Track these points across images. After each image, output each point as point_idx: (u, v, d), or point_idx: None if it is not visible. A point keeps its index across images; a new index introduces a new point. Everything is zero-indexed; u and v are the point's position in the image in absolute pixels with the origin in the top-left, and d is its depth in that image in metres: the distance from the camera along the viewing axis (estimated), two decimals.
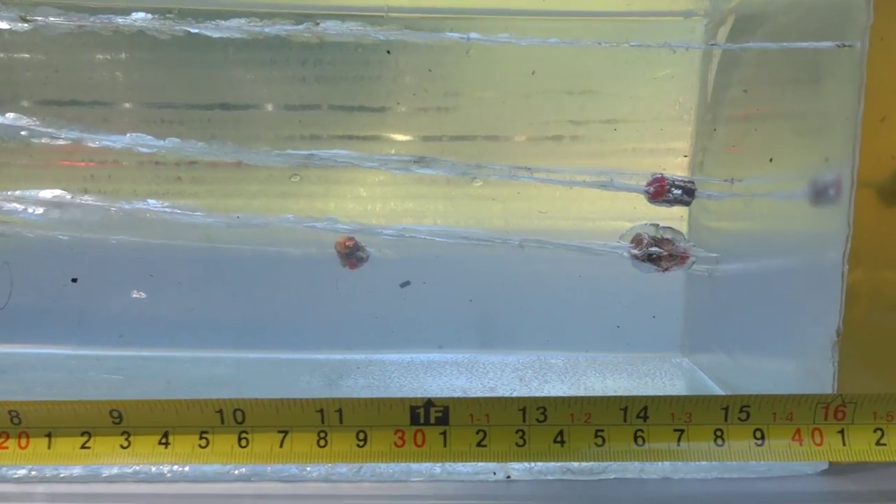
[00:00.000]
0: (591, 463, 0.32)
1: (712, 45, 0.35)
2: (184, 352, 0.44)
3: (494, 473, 0.32)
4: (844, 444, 0.29)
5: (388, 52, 0.38)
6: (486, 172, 0.38)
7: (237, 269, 0.43)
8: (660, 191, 0.36)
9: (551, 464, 0.32)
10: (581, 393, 0.41)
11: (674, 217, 0.43)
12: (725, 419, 0.29)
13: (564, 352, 0.46)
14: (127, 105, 0.43)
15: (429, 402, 0.29)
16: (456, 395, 0.40)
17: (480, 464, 0.32)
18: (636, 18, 0.42)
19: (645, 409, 0.29)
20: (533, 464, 0.32)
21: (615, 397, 0.29)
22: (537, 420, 0.29)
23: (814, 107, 0.33)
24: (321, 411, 0.29)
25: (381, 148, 0.44)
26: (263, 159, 0.36)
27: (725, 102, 0.39)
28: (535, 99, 0.43)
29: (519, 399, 0.29)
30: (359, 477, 0.32)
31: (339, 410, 0.29)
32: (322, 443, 0.29)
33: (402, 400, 0.29)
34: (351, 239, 0.42)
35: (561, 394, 0.40)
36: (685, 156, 0.42)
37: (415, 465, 0.32)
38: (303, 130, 0.44)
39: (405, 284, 0.46)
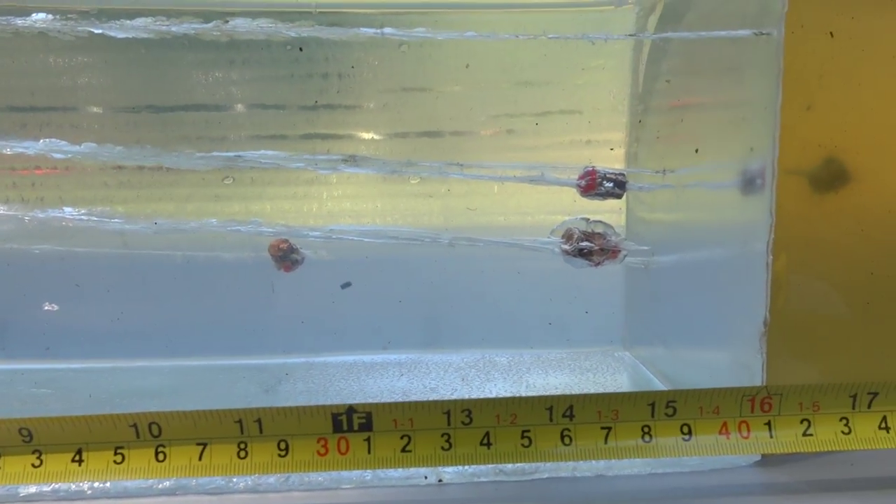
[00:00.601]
0: (524, 464, 0.32)
1: (632, 35, 0.34)
2: (115, 362, 0.42)
3: (426, 478, 0.31)
4: (772, 437, 0.28)
5: (301, 49, 0.37)
6: (416, 170, 0.37)
7: (168, 275, 0.42)
8: (591, 184, 0.36)
9: (483, 466, 0.32)
10: (523, 391, 0.40)
11: (612, 209, 0.43)
12: (652, 415, 0.28)
13: (508, 349, 0.46)
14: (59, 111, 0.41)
15: (350, 409, 0.28)
16: (396, 396, 0.40)
17: (412, 469, 0.32)
18: (570, 9, 0.42)
19: (571, 407, 0.28)
20: (465, 467, 0.32)
21: (541, 397, 0.28)
22: (462, 423, 0.28)
23: (737, 96, 0.32)
24: (240, 422, 0.28)
25: (313, 147, 0.43)
26: (185, 162, 0.35)
27: (655, 93, 0.39)
28: (469, 93, 0.43)
29: (443, 402, 0.28)
30: (287, 486, 0.31)
31: (259, 420, 0.28)
32: (242, 454, 0.28)
33: (323, 407, 0.28)
34: (285, 241, 0.41)
35: (503, 393, 0.40)
36: (618, 148, 0.41)
37: (344, 473, 0.31)
38: (235, 131, 0.43)
39: (346, 286, 0.45)
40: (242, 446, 0.28)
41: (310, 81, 0.42)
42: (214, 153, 0.37)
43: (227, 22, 0.30)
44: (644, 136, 0.40)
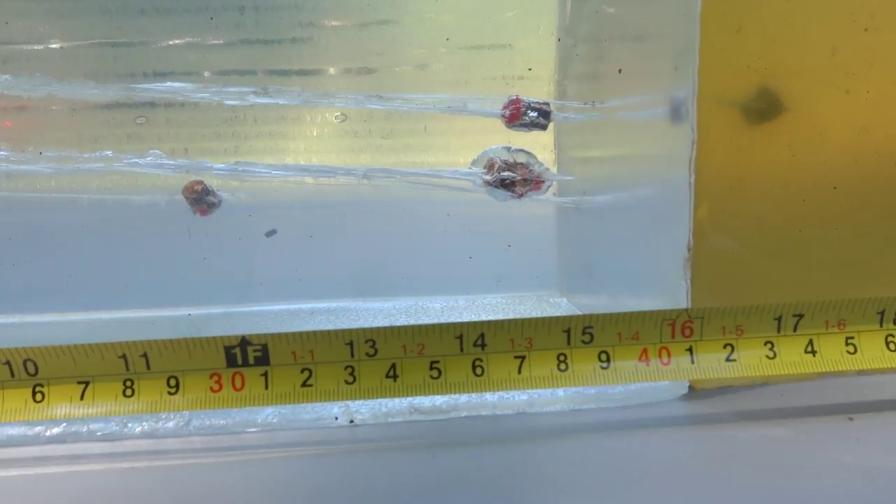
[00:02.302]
0: (441, 400, 0.30)
1: None
2: (22, 317, 0.40)
3: (336, 418, 0.30)
4: (693, 363, 0.27)
5: None
6: (331, 100, 0.35)
7: (74, 221, 0.39)
8: (516, 114, 0.34)
9: (397, 404, 0.30)
10: None
11: (545, 147, 0.41)
12: (568, 343, 0.27)
13: (443, 296, 0.44)
14: None
15: (244, 341, 0.26)
16: None
17: (322, 408, 0.30)
18: None
19: (482, 336, 0.27)
20: (378, 406, 0.30)
21: (450, 324, 0.27)
22: (367, 354, 0.26)
23: (660, 17, 0.31)
24: (124, 357, 0.26)
25: (219, 81, 0.40)
26: (79, 91, 0.32)
27: (583, 24, 0.37)
28: (398, 26, 0.41)
29: (345, 332, 0.26)
30: (187, 431, 0.29)
31: (145, 355, 0.26)
32: (128, 392, 0.26)
33: (214, 339, 0.26)
34: (200, 182, 0.39)
35: None
36: (549, 83, 0.40)
37: (249, 415, 0.29)
38: (147, 66, 0.40)
39: (271, 233, 0.43)
40: (128, 384, 0.26)
41: (225, 14, 0.40)
42: (115, 85, 0.35)
43: None
44: (573, 70, 0.39)
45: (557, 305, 0.42)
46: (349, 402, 0.30)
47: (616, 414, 0.30)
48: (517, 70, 0.41)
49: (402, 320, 0.41)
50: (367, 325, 0.41)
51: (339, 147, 0.42)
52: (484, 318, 0.41)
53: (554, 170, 0.41)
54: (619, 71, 0.33)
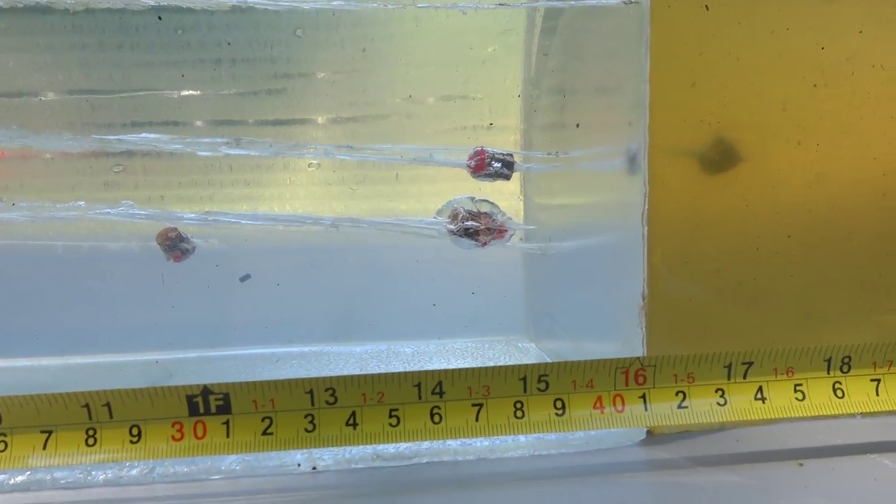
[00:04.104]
0: (404, 446, 0.30)
1: (501, 4, 0.34)
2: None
3: (299, 465, 0.30)
4: (647, 409, 0.28)
5: (160, 17, 0.36)
6: (302, 152, 0.36)
7: (50, 267, 0.40)
8: (480, 164, 0.35)
9: (360, 451, 0.30)
10: None
11: (512, 195, 0.42)
12: (524, 390, 0.28)
13: (414, 340, 0.45)
14: None
15: (206, 390, 0.26)
16: None
17: (285, 455, 0.30)
18: None
19: (440, 384, 0.27)
20: (341, 452, 0.30)
21: (409, 373, 0.27)
22: (327, 402, 0.27)
23: (615, 71, 0.32)
24: (87, 406, 0.26)
25: (203, 133, 0.42)
26: (55, 144, 0.33)
27: (546, 76, 0.39)
28: (369, 77, 0.42)
29: (306, 380, 0.27)
30: (150, 479, 0.29)
31: (108, 404, 0.26)
32: (91, 441, 0.26)
33: (176, 388, 0.26)
34: (174, 230, 0.40)
35: None
36: (515, 132, 0.41)
37: (212, 463, 0.30)
38: (122, 117, 0.41)
39: (245, 279, 0.44)
40: (91, 433, 0.26)
41: (201, 67, 0.41)
42: (92, 137, 0.36)
43: None
44: (538, 121, 0.40)
45: (525, 350, 0.43)
46: (312, 450, 0.30)
47: (576, 459, 0.31)
48: (485, 120, 0.42)
49: (372, 364, 0.41)
50: (338, 369, 0.41)
51: (313, 194, 0.43)
52: (453, 361, 0.42)
53: (521, 216, 0.42)
54: (577, 125, 0.34)
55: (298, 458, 0.30)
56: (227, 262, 0.42)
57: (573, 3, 0.29)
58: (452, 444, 0.31)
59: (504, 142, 0.41)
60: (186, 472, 0.29)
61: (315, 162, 0.42)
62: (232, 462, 0.30)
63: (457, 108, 0.42)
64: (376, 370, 0.41)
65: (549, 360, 0.41)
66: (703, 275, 0.35)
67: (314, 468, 0.30)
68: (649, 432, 0.32)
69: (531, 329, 0.44)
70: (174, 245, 0.40)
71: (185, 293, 0.42)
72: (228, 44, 0.41)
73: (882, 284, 0.36)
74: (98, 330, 0.41)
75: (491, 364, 0.41)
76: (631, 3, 0.28)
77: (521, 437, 0.31)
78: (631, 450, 0.31)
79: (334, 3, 0.30)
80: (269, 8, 0.30)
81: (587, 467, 0.30)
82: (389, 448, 0.30)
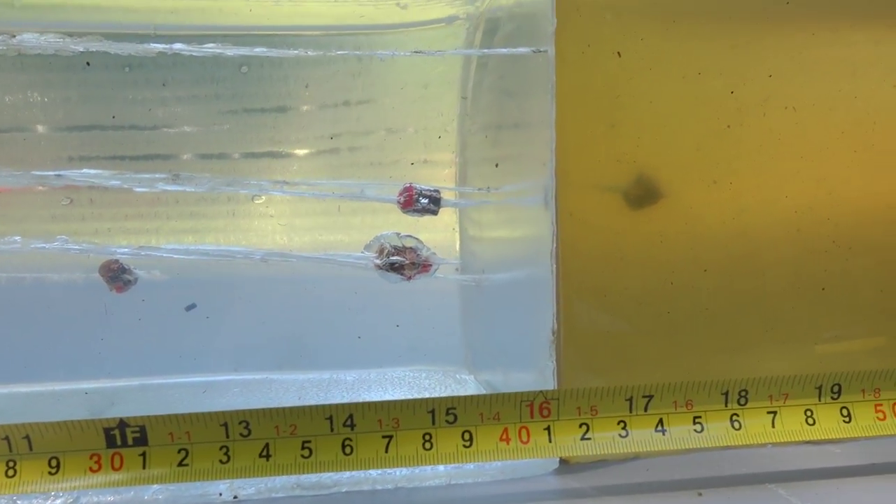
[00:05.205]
0: (324, 476, 0.31)
1: (417, 52, 0.35)
2: None
3: (221, 494, 0.31)
4: (551, 441, 0.29)
5: (88, 63, 0.37)
6: (238, 188, 0.37)
7: None
8: (409, 200, 0.36)
9: (282, 480, 0.31)
10: None
11: (447, 228, 0.44)
12: (433, 423, 0.29)
13: (357, 369, 0.46)
14: None
15: (122, 423, 0.27)
16: None
17: (208, 484, 0.31)
18: (408, 30, 0.43)
19: (351, 416, 0.28)
20: (262, 482, 0.31)
21: (321, 406, 0.28)
22: (241, 435, 0.28)
23: (532, 113, 0.33)
24: (7, 438, 0.27)
25: (155, 168, 0.43)
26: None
27: (480, 112, 0.40)
28: (297, 115, 0.43)
29: (220, 414, 0.28)
30: None
31: (27, 437, 0.27)
32: (11, 472, 0.27)
33: (94, 421, 0.27)
34: (116, 261, 0.41)
35: None
36: (451, 167, 0.42)
37: (136, 492, 0.31)
38: (64, 152, 0.42)
39: (191, 308, 0.45)
40: (11, 464, 0.27)
41: (149, 103, 0.42)
42: (34, 172, 0.37)
43: (13, 37, 0.30)
44: (472, 155, 0.41)
45: (462, 381, 0.44)
46: (234, 479, 0.31)
47: (490, 488, 0.32)
48: (421, 155, 0.43)
49: (312, 393, 0.42)
50: (278, 397, 0.42)
51: (256, 227, 0.44)
52: (390, 390, 0.43)
53: (457, 249, 0.43)
54: (496, 165, 0.35)
55: (221, 488, 0.31)
56: (171, 292, 0.43)
57: (485, 51, 0.31)
58: (372, 473, 0.32)
59: (440, 176, 0.43)
60: (111, 500, 0.30)
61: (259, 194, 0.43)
62: (155, 491, 0.31)
63: (394, 141, 0.43)
64: (315, 399, 0.42)
65: (483, 391, 0.42)
66: (623, 308, 0.36)
67: (235, 497, 0.31)
68: (564, 462, 0.33)
69: (469, 360, 0.45)
70: (116, 276, 0.41)
71: (128, 323, 0.43)
72: (174, 79, 0.42)
73: (794, 318, 0.37)
74: (40, 359, 0.42)
75: (426, 394, 0.42)
76: (539, 51, 0.30)
77: (440, 467, 0.32)
78: (544, 479, 0.32)
79: (256, 49, 0.32)
80: (194, 54, 0.31)
81: (500, 496, 0.31)
82: (311, 477, 0.31)
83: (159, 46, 0.31)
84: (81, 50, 0.31)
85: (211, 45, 0.32)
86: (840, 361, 0.37)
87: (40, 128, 0.42)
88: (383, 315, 0.45)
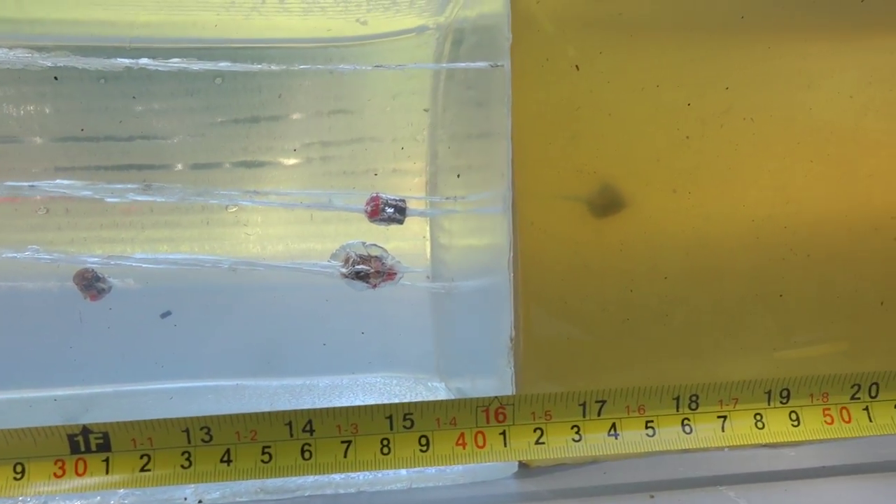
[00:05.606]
0: (289, 480, 0.32)
1: (378, 66, 0.36)
2: None
3: (185, 499, 0.32)
4: (506, 446, 0.30)
5: (56, 77, 0.38)
6: (208, 198, 0.38)
7: None
8: (375, 210, 0.37)
9: (246, 484, 0.32)
10: None
11: (417, 237, 0.44)
12: (391, 428, 0.29)
13: (330, 376, 0.46)
14: None
15: (85, 429, 0.28)
16: None
17: (174, 489, 0.32)
18: (380, 40, 0.44)
19: (310, 422, 0.29)
20: (227, 486, 0.32)
21: (280, 412, 0.29)
22: (203, 440, 0.29)
23: (493, 124, 0.34)
24: None
25: (130, 178, 0.44)
26: None
27: (448, 121, 0.41)
28: (279, 123, 0.44)
29: (181, 420, 0.29)
30: None
31: None
32: None
33: (58, 428, 0.28)
34: (90, 270, 0.42)
35: None
36: (421, 176, 0.43)
37: (103, 497, 0.31)
38: (42, 163, 0.43)
39: (166, 315, 0.45)
40: None
41: (123, 114, 0.43)
42: (8, 183, 0.38)
43: None
44: (442, 164, 0.42)
45: (434, 389, 0.45)
46: (197, 483, 0.32)
47: (450, 492, 0.32)
48: (391, 164, 0.44)
49: (285, 399, 0.43)
50: (252, 404, 0.43)
51: (230, 236, 0.45)
52: (362, 396, 0.44)
53: (428, 257, 0.44)
54: (458, 176, 0.36)
55: (186, 493, 0.32)
56: (145, 300, 0.44)
57: (444, 66, 0.32)
58: (335, 477, 0.33)
59: (410, 185, 0.44)
60: None
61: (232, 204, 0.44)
62: (121, 496, 0.31)
63: (366, 152, 0.44)
64: (288, 404, 0.42)
65: (452, 397, 0.43)
66: (583, 315, 0.37)
67: (200, 502, 0.32)
68: (523, 465, 0.33)
69: (440, 367, 0.45)
70: (90, 284, 0.41)
71: (102, 331, 0.43)
72: (148, 91, 0.43)
73: (752, 324, 0.38)
74: (15, 366, 0.43)
75: (396, 400, 0.43)
76: (496, 66, 0.31)
77: (402, 471, 0.33)
78: (503, 483, 0.33)
79: (221, 64, 0.33)
80: (160, 69, 0.32)
81: (460, 500, 0.32)
82: (275, 482, 0.32)
83: (126, 61, 0.32)
84: (49, 65, 0.32)
85: (176, 59, 0.32)
86: (798, 367, 0.38)
87: (16, 139, 0.42)
88: (355, 323, 0.45)
